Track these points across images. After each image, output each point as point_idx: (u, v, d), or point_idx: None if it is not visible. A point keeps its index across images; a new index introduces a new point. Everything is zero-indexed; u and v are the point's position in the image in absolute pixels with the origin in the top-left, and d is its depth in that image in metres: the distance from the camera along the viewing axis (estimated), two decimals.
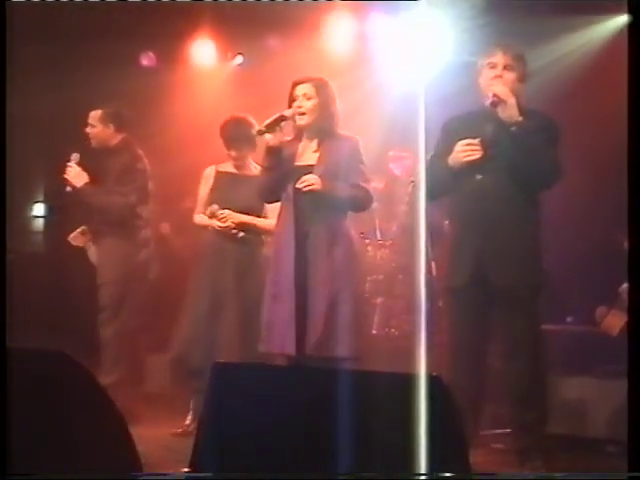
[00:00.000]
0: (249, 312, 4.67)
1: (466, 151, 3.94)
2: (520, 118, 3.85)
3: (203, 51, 6.89)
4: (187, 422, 5.03)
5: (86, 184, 5.27)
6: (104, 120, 5.40)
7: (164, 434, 4.90)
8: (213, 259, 5.01)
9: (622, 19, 5.31)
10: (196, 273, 5.10)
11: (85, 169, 5.30)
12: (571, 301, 5.65)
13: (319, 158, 4.31)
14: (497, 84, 3.97)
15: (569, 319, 5.80)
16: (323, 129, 4.34)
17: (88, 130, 5.44)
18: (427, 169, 4.08)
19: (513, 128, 3.86)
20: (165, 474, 3.11)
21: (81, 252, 5.52)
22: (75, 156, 5.28)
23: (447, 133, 4.13)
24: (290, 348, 4.16)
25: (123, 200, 5.26)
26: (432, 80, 5.53)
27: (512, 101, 3.86)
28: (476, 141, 3.93)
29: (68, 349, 2.41)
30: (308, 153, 4.36)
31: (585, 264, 5.55)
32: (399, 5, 5.84)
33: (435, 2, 5.19)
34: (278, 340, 4.22)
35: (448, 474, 2.09)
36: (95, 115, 5.42)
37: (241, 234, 4.90)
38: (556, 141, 4.04)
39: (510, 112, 3.86)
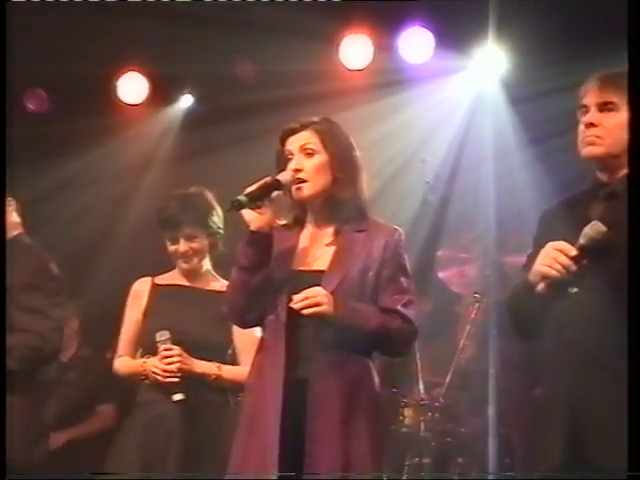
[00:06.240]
0: None
1: (551, 265, 3.57)
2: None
3: (131, 91, 6.92)
4: None
5: None
6: None
7: None
8: (145, 434, 4.60)
9: None
10: (119, 456, 4.69)
11: None
12: None
13: (333, 260, 3.89)
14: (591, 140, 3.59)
15: None
16: (339, 206, 3.92)
17: None
18: (513, 292, 3.71)
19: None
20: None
21: None
22: None
23: (546, 227, 3.81)
24: None
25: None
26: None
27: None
28: (568, 247, 3.53)
29: None
30: (316, 250, 3.97)
31: None
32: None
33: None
34: None
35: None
36: None
37: (179, 397, 4.50)
38: None
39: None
